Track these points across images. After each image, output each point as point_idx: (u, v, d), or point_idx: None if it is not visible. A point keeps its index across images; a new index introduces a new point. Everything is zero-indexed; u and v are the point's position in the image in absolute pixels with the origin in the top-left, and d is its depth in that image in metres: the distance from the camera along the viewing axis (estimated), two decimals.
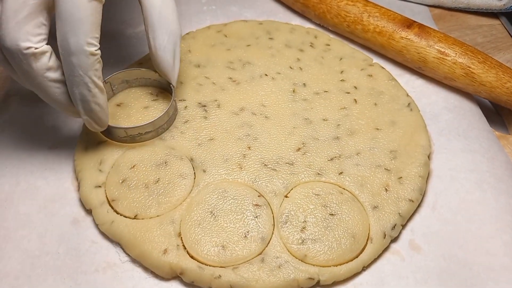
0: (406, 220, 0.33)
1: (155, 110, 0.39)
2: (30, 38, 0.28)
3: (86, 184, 0.34)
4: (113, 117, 0.39)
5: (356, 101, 0.40)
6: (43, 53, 0.29)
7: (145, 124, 0.35)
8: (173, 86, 0.37)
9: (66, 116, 0.41)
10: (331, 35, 0.47)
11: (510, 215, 0.34)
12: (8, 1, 0.28)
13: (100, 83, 0.31)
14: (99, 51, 0.30)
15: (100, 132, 0.36)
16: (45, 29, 0.29)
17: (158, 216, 0.33)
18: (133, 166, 0.35)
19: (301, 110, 0.39)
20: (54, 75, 0.30)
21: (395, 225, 0.32)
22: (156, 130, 0.36)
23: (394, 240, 0.33)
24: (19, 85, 0.43)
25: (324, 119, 0.39)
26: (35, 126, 0.40)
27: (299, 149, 0.37)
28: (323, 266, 0.30)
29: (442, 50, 0.40)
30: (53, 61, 0.30)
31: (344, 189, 0.34)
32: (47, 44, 0.29)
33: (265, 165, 0.35)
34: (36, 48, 0.28)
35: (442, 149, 0.38)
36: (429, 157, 0.37)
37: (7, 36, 0.28)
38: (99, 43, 0.30)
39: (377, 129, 0.38)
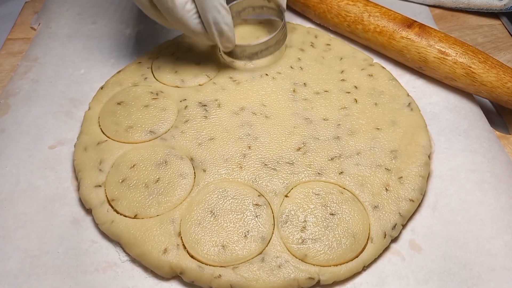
0: (406, 220, 0.33)
1: (155, 109, 0.39)
2: None
3: (86, 183, 0.34)
4: (113, 115, 0.39)
5: (356, 101, 0.40)
6: None
7: (262, 42, 0.40)
8: (284, 9, 0.42)
9: (65, 116, 0.41)
10: (332, 35, 0.47)
11: (510, 215, 0.33)
12: None
13: (226, 5, 0.36)
14: None
15: (225, 53, 0.42)
16: None
17: (158, 215, 0.33)
18: (133, 166, 0.35)
19: (302, 110, 0.39)
20: (191, 6, 0.35)
21: (396, 225, 0.32)
22: (274, 46, 0.41)
23: (395, 240, 0.33)
24: (19, 85, 0.43)
25: (324, 119, 0.39)
26: (35, 126, 0.40)
27: (299, 148, 0.37)
28: (323, 266, 0.30)
29: (443, 50, 0.40)
30: None
31: (344, 188, 0.34)
32: None
33: (265, 164, 0.35)
34: None
35: (442, 149, 0.38)
36: (429, 157, 0.36)
37: None
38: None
39: (378, 129, 0.38)
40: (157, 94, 0.40)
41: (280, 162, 0.36)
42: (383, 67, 0.43)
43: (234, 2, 0.43)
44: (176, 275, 0.31)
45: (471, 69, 0.39)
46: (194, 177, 0.35)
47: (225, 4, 0.36)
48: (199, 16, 0.36)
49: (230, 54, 0.41)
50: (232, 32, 0.38)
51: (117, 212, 0.33)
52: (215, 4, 0.35)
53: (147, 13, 0.38)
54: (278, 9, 0.43)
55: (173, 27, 0.38)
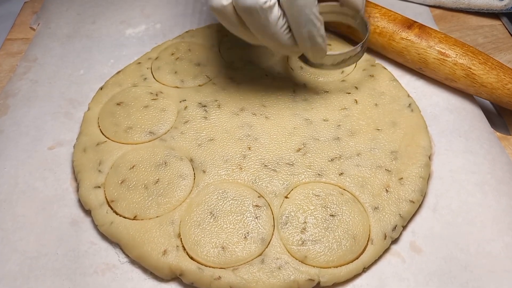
0: (406, 221, 0.33)
1: (154, 109, 0.39)
2: None
3: (85, 184, 0.34)
4: (113, 116, 0.39)
5: (356, 102, 0.40)
6: (274, 4, 0.32)
7: (352, 49, 0.38)
8: (363, 13, 0.40)
9: (65, 116, 0.40)
10: (332, 35, 0.47)
11: (511, 217, 0.33)
12: None
13: (320, 16, 0.33)
14: None
15: (310, 63, 0.39)
16: None
17: (157, 217, 0.33)
18: (133, 167, 0.35)
19: (302, 111, 0.39)
20: (282, 21, 0.33)
21: (396, 226, 0.32)
22: (361, 52, 0.39)
23: (395, 241, 0.32)
24: (18, 85, 0.43)
25: (324, 120, 0.38)
26: (34, 126, 0.40)
27: (299, 149, 0.36)
28: (323, 268, 0.30)
29: (443, 51, 0.40)
30: (280, 10, 0.32)
31: (344, 190, 0.34)
32: None
33: (265, 165, 0.35)
34: (271, 1, 0.31)
35: (443, 150, 0.38)
36: (430, 158, 0.36)
37: None
38: None
39: (378, 129, 0.38)
40: (156, 94, 0.40)
41: (280, 163, 0.35)
42: (385, 68, 0.43)
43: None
44: (176, 277, 0.31)
45: (471, 70, 0.39)
46: (194, 178, 0.35)
47: (319, 14, 0.33)
48: (290, 30, 0.34)
49: (312, 62, 0.39)
50: (325, 43, 0.35)
51: (117, 214, 0.33)
52: (310, 17, 0.33)
53: (233, 31, 0.36)
54: (353, 13, 0.40)
55: (260, 43, 0.36)
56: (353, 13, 0.40)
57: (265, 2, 0.31)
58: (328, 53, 0.37)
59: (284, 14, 0.33)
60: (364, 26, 0.40)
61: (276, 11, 0.32)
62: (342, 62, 0.39)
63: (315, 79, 0.42)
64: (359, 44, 0.38)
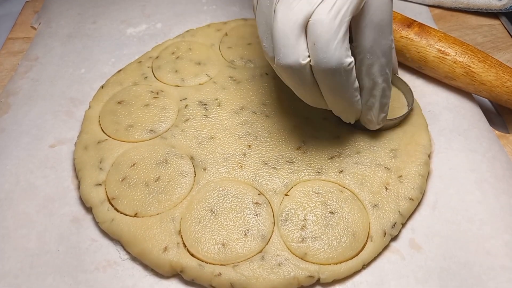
0: (406, 218, 0.33)
1: (155, 108, 0.39)
2: (348, 52, 0.29)
3: (86, 182, 0.34)
4: (113, 114, 0.39)
5: None
6: (354, 64, 0.29)
7: (402, 116, 0.37)
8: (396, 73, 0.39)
9: (66, 115, 0.41)
10: None
11: (510, 215, 0.33)
12: (325, 21, 0.27)
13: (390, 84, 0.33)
14: None
15: (357, 124, 0.37)
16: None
17: (158, 214, 0.33)
18: (134, 164, 0.35)
19: (301, 109, 0.39)
20: (357, 84, 0.31)
21: (395, 223, 0.32)
22: (403, 117, 0.38)
23: (394, 239, 0.33)
24: (19, 84, 0.43)
25: (324, 118, 0.39)
26: (35, 125, 0.40)
27: (299, 147, 0.37)
28: (323, 264, 0.30)
29: (442, 49, 0.40)
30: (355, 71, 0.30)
31: (344, 187, 0.34)
32: None
33: (265, 163, 0.35)
34: (353, 62, 0.29)
35: (442, 149, 0.38)
36: (429, 156, 0.36)
37: (332, 56, 0.28)
38: None
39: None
40: (157, 93, 0.40)
41: (280, 161, 0.36)
42: None
43: None
44: (176, 274, 0.31)
45: (470, 68, 0.39)
46: (194, 176, 0.35)
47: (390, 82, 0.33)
48: (358, 91, 0.32)
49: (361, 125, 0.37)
50: (388, 110, 0.35)
51: (118, 211, 0.33)
52: (387, 78, 0.32)
53: (299, 91, 0.32)
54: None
55: (322, 106, 0.33)
56: None
57: (350, 64, 0.29)
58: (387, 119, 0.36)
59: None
60: (406, 87, 0.40)
61: (354, 71, 0.30)
62: (393, 126, 0.38)
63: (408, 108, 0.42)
64: (409, 109, 0.38)
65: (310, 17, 0.28)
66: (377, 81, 0.32)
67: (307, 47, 0.28)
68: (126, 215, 0.33)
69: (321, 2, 0.28)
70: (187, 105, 0.40)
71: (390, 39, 0.31)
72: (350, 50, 0.29)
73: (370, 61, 0.31)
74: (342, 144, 0.37)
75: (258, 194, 0.34)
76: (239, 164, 0.35)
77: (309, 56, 0.29)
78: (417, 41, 0.41)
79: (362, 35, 0.30)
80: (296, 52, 0.28)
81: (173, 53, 0.44)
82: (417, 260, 0.31)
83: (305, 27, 0.28)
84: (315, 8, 0.28)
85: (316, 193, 0.34)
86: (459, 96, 0.41)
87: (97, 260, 0.32)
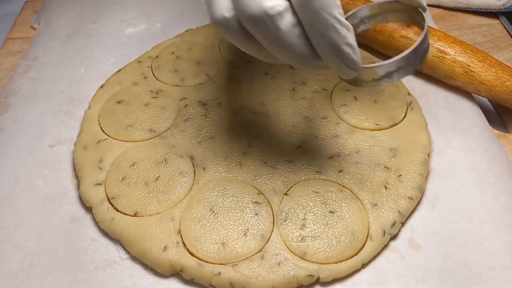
0: (405, 217, 0.33)
1: (155, 107, 0.39)
2: None
3: (86, 182, 0.34)
4: (113, 114, 0.39)
5: (356, 99, 0.40)
6: (286, 9, 0.25)
7: (401, 57, 0.28)
8: (425, 8, 0.30)
9: (65, 115, 0.41)
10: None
11: (510, 214, 0.33)
12: None
13: (344, 19, 0.26)
14: None
15: (345, 80, 0.30)
16: None
17: (158, 213, 0.33)
18: (133, 164, 0.35)
19: (301, 108, 0.39)
20: (298, 30, 0.26)
21: (395, 222, 0.32)
22: (415, 59, 0.29)
23: (394, 238, 0.33)
24: (19, 84, 0.43)
25: (323, 117, 0.39)
26: (35, 125, 0.40)
27: (298, 147, 0.37)
28: (323, 263, 0.30)
29: (442, 48, 0.40)
30: (294, 15, 0.26)
31: (343, 186, 0.34)
32: None
33: (265, 162, 0.35)
34: (279, 5, 0.25)
35: (441, 148, 0.38)
36: (428, 156, 0.36)
37: (247, 3, 0.25)
38: None
39: (377, 126, 0.38)
40: (157, 92, 0.40)
41: (280, 161, 0.36)
42: None
43: (351, 12, 0.32)
44: (176, 273, 0.31)
45: (470, 67, 0.39)
46: (194, 175, 0.35)
47: (342, 18, 0.26)
48: (307, 39, 0.27)
49: (352, 79, 0.30)
50: (358, 54, 0.27)
51: (117, 210, 0.33)
52: (330, 21, 0.26)
53: (243, 48, 0.29)
54: (411, 10, 0.31)
55: (276, 61, 0.29)
56: (408, 9, 0.31)
57: (272, 8, 0.25)
58: (364, 66, 0.28)
59: (299, 21, 0.26)
60: (420, 23, 0.31)
61: (289, 18, 0.26)
62: (387, 76, 0.29)
63: (314, 77, 0.42)
64: (410, 49, 0.28)
65: None
66: (319, 17, 0.26)
67: None
68: (126, 214, 0.33)
69: None
70: (186, 104, 0.40)
71: None
72: None
73: (303, 3, 0.25)
74: (341, 143, 0.37)
75: (258, 194, 0.34)
76: (238, 164, 0.35)
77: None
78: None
79: None
80: (219, 5, 0.26)
81: (172, 52, 0.44)
82: (417, 259, 0.31)
83: None
84: None
85: (315, 192, 0.34)
86: (459, 96, 0.42)
87: (96, 260, 0.32)
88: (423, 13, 0.30)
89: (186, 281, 0.31)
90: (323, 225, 0.32)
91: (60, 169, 0.37)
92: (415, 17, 0.31)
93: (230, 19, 0.27)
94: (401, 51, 0.43)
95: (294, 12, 0.26)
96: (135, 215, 0.33)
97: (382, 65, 0.28)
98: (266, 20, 0.25)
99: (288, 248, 0.31)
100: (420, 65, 0.29)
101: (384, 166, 0.35)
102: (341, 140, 0.37)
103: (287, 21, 0.26)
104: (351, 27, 0.27)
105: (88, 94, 0.42)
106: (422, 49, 0.29)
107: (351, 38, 0.27)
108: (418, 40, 0.29)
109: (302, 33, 0.26)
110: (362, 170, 0.35)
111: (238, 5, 0.26)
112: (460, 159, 0.37)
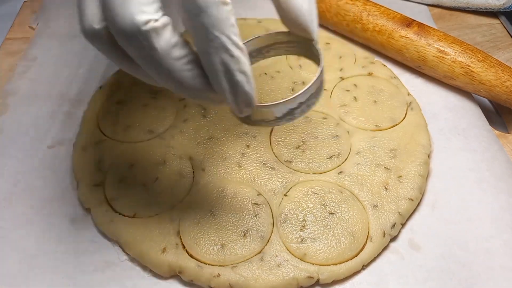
0: (405, 219, 0.33)
1: (154, 108, 0.39)
2: (144, 8, 0.21)
3: (85, 183, 0.34)
4: (112, 115, 0.39)
5: (356, 99, 0.40)
6: (164, 26, 0.21)
7: (299, 94, 0.25)
8: (316, 43, 0.27)
9: (64, 116, 0.40)
10: (331, 34, 0.47)
11: (510, 214, 0.33)
12: None
13: (241, 42, 0.22)
14: None
15: (243, 120, 0.26)
16: None
17: (157, 215, 0.33)
18: (132, 165, 0.35)
19: None
20: (181, 52, 0.22)
21: (395, 224, 0.32)
22: (306, 103, 0.26)
23: (394, 239, 0.33)
24: (18, 84, 0.43)
25: (323, 117, 0.38)
26: (34, 125, 0.40)
27: (298, 147, 0.37)
28: (323, 265, 0.30)
29: (442, 48, 0.40)
30: (176, 35, 0.22)
31: (343, 187, 0.34)
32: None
33: (264, 163, 0.35)
34: (156, 20, 0.21)
35: (441, 148, 0.38)
36: (428, 156, 0.36)
37: (116, 15, 0.21)
38: None
39: (377, 127, 0.38)
40: (156, 93, 0.40)
41: (279, 161, 0.36)
42: (384, 65, 0.43)
43: (252, 38, 0.29)
44: (175, 274, 0.31)
45: (470, 68, 0.39)
46: (193, 177, 0.35)
47: (239, 40, 0.22)
48: (198, 66, 0.23)
49: (248, 118, 0.26)
50: (252, 85, 0.23)
51: (116, 212, 0.33)
52: (222, 41, 0.22)
53: (118, 65, 0.25)
54: (306, 43, 0.28)
55: (162, 86, 0.24)
56: (304, 41, 0.28)
57: (146, 23, 0.21)
58: (259, 104, 0.25)
59: (184, 41, 0.22)
60: (316, 57, 0.28)
61: (167, 37, 0.21)
62: (289, 114, 0.26)
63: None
64: (307, 86, 0.25)
65: None
66: (209, 35, 0.22)
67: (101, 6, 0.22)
68: (125, 216, 0.33)
69: None
70: (185, 105, 0.39)
71: None
72: (156, 3, 0.21)
73: (188, 19, 0.22)
74: (341, 144, 0.37)
75: (257, 195, 0.34)
76: (237, 165, 0.35)
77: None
78: (416, 40, 0.41)
79: None
80: (88, 14, 0.22)
81: None
82: (417, 260, 0.31)
83: None
84: None
85: (315, 193, 0.33)
86: (459, 96, 0.41)
87: (95, 261, 0.31)
88: (316, 47, 0.27)
89: (185, 283, 0.31)
90: (323, 227, 0.32)
91: (59, 170, 0.37)
92: (312, 51, 0.28)
93: (100, 31, 0.23)
94: (401, 51, 0.44)
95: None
96: (134, 216, 0.33)
97: (283, 102, 0.25)
98: (139, 37, 0.21)
99: (288, 250, 0.31)
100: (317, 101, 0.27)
101: (384, 167, 0.35)
102: (341, 140, 0.37)
103: (165, 41, 0.21)
104: (246, 51, 0.23)
105: (87, 95, 0.42)
106: (322, 80, 0.27)
107: (246, 65, 0.23)
108: (318, 72, 0.26)
109: (188, 57, 0.22)
110: (362, 171, 0.35)
111: (107, 16, 0.22)
112: (460, 159, 0.37)
